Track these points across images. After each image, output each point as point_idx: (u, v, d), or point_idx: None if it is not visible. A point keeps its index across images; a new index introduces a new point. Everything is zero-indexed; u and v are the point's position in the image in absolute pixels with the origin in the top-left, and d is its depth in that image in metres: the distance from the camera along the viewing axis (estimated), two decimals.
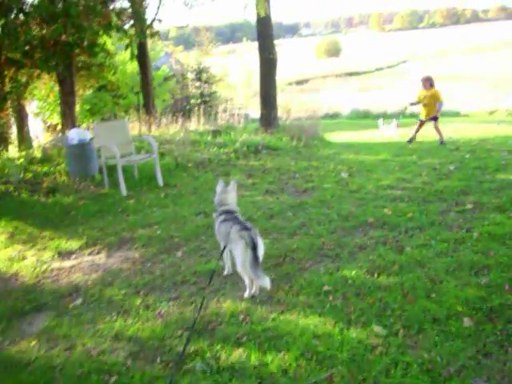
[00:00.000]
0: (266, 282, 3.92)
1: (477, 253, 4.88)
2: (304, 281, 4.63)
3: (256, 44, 13.17)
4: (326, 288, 4.44)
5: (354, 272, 4.70)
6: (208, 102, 27.00)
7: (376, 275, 4.61)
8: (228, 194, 4.46)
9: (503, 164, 8.42)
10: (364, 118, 27.04)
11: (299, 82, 59.65)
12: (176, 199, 7.62)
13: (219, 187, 4.53)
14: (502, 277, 4.35)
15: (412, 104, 12.43)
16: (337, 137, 14.32)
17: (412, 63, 54.67)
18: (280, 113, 33.00)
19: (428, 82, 11.54)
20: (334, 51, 74.68)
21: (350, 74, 54.30)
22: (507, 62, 44.80)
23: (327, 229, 5.88)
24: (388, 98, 34.25)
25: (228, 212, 4.34)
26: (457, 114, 23.58)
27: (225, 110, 16.07)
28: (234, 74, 40.48)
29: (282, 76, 58.35)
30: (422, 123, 11.88)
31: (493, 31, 57.06)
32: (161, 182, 8.19)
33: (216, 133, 12.18)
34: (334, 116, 29.97)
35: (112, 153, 7.66)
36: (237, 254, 4.03)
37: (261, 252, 3.99)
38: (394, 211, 6.28)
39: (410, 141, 11.88)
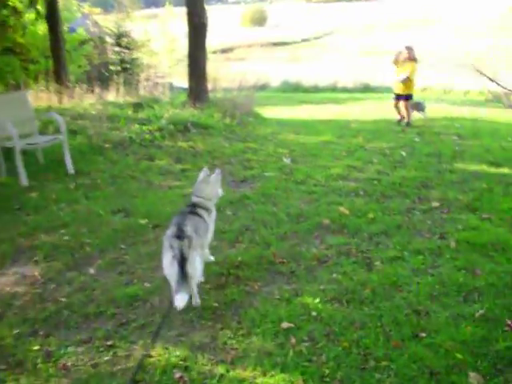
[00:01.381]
0: (177, 302, 3.13)
1: (460, 269, 4.04)
2: (256, 312, 3.56)
3: (179, 10, 11.59)
4: (285, 325, 3.42)
5: (317, 299, 3.71)
6: (129, 70, 24.91)
7: (345, 303, 3.63)
8: (207, 185, 3.87)
9: (458, 151, 7.75)
10: (295, 90, 26.08)
11: (224, 51, 57.64)
12: (89, 192, 6.22)
13: (202, 174, 3.91)
14: (497, 305, 3.53)
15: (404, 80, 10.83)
16: (272, 112, 13.17)
17: (338, 36, 54.36)
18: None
19: (413, 52, 10.35)
20: (260, 20, 73.03)
21: (276, 44, 53.12)
22: (431, 38, 45.48)
23: (276, 234, 4.84)
24: (317, 70, 33.60)
25: (192, 205, 3.76)
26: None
27: (147, 79, 14.45)
28: (157, 40, 38.12)
29: (207, 44, 56.26)
30: (399, 100, 10.57)
31: (420, 6, 57.64)
32: (71, 169, 6.72)
33: (138, 106, 10.67)
34: (263, 88, 28.77)
35: (8, 133, 6.06)
36: (163, 264, 3.37)
37: (190, 270, 3.24)
38: (352, 210, 5.34)
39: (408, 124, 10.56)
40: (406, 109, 10.48)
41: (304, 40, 53.19)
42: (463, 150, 7.81)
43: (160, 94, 13.14)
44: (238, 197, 5.98)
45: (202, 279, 3.79)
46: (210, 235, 3.87)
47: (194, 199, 3.81)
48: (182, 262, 3.17)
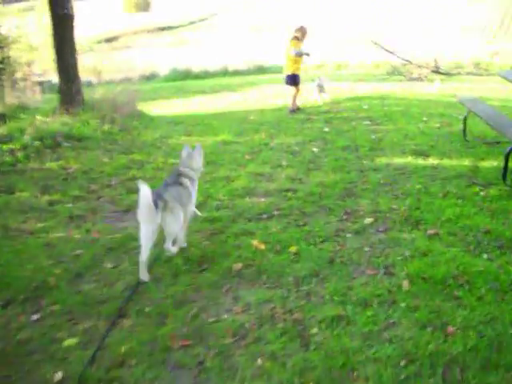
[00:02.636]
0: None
1: (425, 327, 2.95)
2: None
3: None
4: None
5: None
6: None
7: None
8: (192, 159, 4.19)
9: (375, 140, 6.72)
10: (185, 78, 24.41)
11: (109, 40, 54.36)
12: None
13: (185, 152, 4.22)
14: None
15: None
16: (161, 108, 11.55)
17: (224, 15, 52.83)
18: (90, 77, 28.81)
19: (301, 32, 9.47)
20: (144, 5, 69.52)
21: (163, 29, 50.68)
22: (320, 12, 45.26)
23: (172, 295, 3.46)
24: (207, 53, 32.02)
25: (177, 174, 4.03)
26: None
27: (25, 78, 12.24)
28: (34, 34, 34.45)
29: (89, 33, 52.35)
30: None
31: None
32: None
33: (0, 118, 8.65)
34: (151, 78, 26.79)
35: None
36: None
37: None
38: (268, 242, 4.12)
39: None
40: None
41: (191, 23, 51.10)
42: (380, 138, 6.83)
43: (32, 98, 11.04)
44: (120, 238, 4.49)
45: (184, 245, 4.10)
46: (193, 200, 4.14)
47: (181, 169, 4.06)
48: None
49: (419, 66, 14.53)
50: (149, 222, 3.53)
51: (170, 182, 3.87)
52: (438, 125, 7.70)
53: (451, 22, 29.04)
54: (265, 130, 8.05)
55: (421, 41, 20.96)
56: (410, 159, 5.99)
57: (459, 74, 15.19)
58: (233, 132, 8.10)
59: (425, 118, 8.13)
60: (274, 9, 47.96)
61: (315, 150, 6.63)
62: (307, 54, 9.36)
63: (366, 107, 9.34)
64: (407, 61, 15.03)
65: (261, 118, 9.23)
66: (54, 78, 21.38)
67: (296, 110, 9.45)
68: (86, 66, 34.98)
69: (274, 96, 11.42)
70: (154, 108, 11.10)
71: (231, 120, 9.24)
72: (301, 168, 5.98)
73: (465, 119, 6.46)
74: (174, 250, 3.91)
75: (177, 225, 3.74)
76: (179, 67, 26.18)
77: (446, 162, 5.77)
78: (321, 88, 10.22)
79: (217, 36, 42.38)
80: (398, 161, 5.93)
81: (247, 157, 6.68)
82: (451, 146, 6.32)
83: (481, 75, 15.06)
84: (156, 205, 3.43)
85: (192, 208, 4.12)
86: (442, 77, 14.58)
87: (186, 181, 3.95)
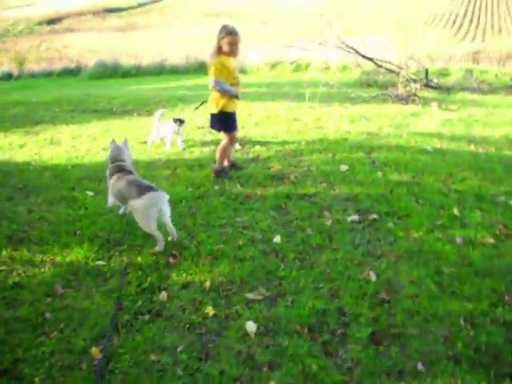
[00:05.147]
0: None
1: None
2: None
3: None
4: None
5: None
6: None
7: None
8: (122, 151, 4.28)
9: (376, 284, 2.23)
10: (112, 75, 19.46)
11: (51, 21, 48.78)
12: None
13: (113, 145, 4.31)
14: None
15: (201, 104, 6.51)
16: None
17: None
18: (11, 65, 23.40)
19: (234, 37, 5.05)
20: None
21: (110, 11, 45.20)
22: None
23: None
24: (149, 42, 27.07)
25: (120, 169, 4.11)
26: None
27: None
28: None
29: (31, 13, 46.01)
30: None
31: None
32: None
33: None
34: (76, 72, 21.68)
35: None
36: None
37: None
38: None
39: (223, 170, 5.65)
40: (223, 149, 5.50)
41: (141, 5, 45.64)
42: (387, 280, 2.63)
43: None
44: None
45: None
46: None
47: (119, 163, 4.13)
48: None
49: (407, 79, 10.02)
50: None
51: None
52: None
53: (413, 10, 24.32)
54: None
55: (387, 36, 16.40)
56: None
57: (462, 90, 10.78)
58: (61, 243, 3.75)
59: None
60: None
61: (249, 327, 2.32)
62: (236, 97, 5.30)
63: (344, 169, 4.99)
64: (391, 70, 10.50)
65: (171, 183, 4.77)
66: None
67: (222, 170, 5.50)
68: (13, 51, 29.43)
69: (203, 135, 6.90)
70: None
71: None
72: None
73: None
74: None
75: None
76: (108, 59, 21.12)
77: None
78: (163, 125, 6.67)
79: (167, 21, 37.30)
80: None
81: None
82: None
83: (483, 92, 10.71)
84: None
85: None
86: (437, 94, 10.17)
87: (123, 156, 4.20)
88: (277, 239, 3.98)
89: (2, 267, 3.61)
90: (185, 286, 3.40)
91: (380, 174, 5.38)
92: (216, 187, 5.11)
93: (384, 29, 19.37)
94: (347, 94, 10.41)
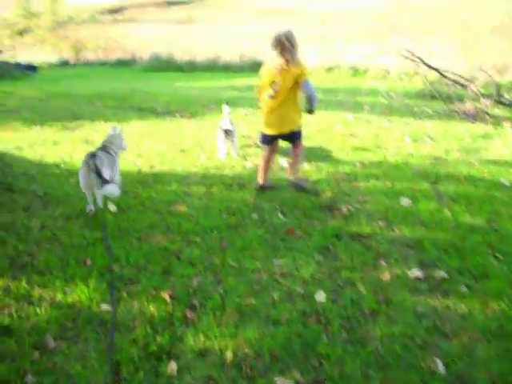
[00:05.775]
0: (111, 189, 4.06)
1: None
2: None
3: None
4: None
5: None
6: None
7: None
8: (116, 138, 4.75)
9: None
10: (166, 68, 19.03)
11: (113, 11, 49.46)
12: None
13: (112, 130, 4.80)
14: None
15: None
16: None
17: None
18: (68, 53, 23.55)
19: (288, 48, 4.54)
20: None
21: (171, 4, 45.22)
22: None
23: None
24: (205, 36, 26.57)
25: (102, 147, 4.57)
26: None
27: None
28: None
29: (94, 1, 46.85)
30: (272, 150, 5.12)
31: None
32: None
33: None
34: (130, 63, 21.45)
35: None
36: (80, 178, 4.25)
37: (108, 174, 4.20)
38: None
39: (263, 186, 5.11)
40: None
41: None
42: None
43: None
44: None
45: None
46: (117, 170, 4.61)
47: (104, 143, 4.63)
48: (98, 171, 3.99)
49: (476, 93, 8.95)
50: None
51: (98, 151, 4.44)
52: None
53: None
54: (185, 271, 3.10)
55: (452, 41, 15.12)
56: None
57: None
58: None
59: None
60: None
61: None
62: (311, 111, 4.77)
63: (406, 204, 4.55)
64: (461, 85, 9.44)
65: (204, 206, 4.23)
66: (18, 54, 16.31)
67: (263, 186, 5.07)
68: (73, 39, 29.69)
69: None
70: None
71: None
72: None
73: None
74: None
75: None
76: (163, 53, 20.75)
77: None
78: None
79: (225, 16, 36.80)
80: None
81: None
82: None
83: None
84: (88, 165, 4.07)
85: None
86: (509, 112, 9.07)
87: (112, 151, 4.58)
88: (320, 296, 3.21)
89: None
90: (201, 354, 2.70)
91: (448, 213, 4.51)
92: (254, 215, 4.37)
93: (450, 32, 17.99)
94: (409, 107, 9.46)
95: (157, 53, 20.24)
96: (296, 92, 4.68)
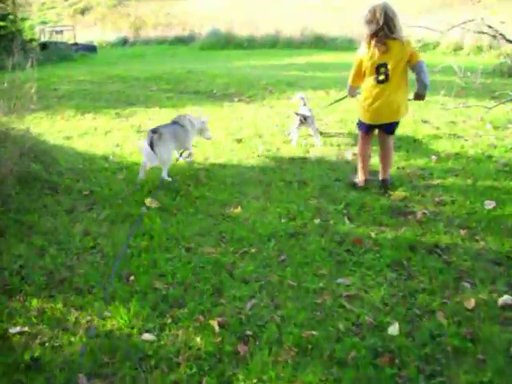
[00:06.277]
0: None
1: None
2: None
3: None
4: None
5: None
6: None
7: None
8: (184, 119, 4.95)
9: None
10: (224, 46, 18.57)
11: None
12: None
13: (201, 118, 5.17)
14: None
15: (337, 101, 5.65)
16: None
17: None
18: (128, 30, 23.51)
19: (392, 23, 3.98)
20: None
21: None
22: None
23: None
24: (269, 8, 25.75)
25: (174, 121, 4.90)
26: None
27: None
28: None
29: None
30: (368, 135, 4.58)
31: None
32: None
33: None
34: (189, 40, 21.14)
35: None
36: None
37: (157, 151, 4.50)
38: None
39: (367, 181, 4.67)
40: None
41: None
42: None
43: None
44: None
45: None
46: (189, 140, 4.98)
47: (185, 115, 5.04)
48: (152, 146, 4.40)
49: None
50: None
51: (169, 123, 4.87)
52: None
53: None
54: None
55: None
56: None
57: None
58: None
59: None
60: None
61: None
62: (422, 97, 4.29)
63: (491, 207, 4.17)
64: None
65: (260, 208, 3.92)
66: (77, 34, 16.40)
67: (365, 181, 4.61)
68: (133, 16, 29.68)
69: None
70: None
71: None
72: None
73: None
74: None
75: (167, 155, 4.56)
76: (222, 28, 20.23)
77: None
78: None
79: None
80: None
81: None
82: None
83: None
84: (151, 139, 4.42)
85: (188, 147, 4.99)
86: None
87: (185, 122, 4.87)
88: (393, 329, 2.71)
89: (25, 328, 2.68)
90: None
91: None
92: (316, 221, 3.87)
93: None
94: (486, 86, 8.52)
95: (216, 28, 19.75)
96: (406, 75, 4.14)
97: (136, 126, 6.68)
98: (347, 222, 3.94)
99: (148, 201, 4.24)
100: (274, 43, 17.64)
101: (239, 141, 5.89)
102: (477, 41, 13.25)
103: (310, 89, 8.48)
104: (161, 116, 7.13)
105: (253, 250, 3.55)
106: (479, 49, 13.25)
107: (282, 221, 3.95)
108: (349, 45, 15.97)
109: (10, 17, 17.34)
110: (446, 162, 5.09)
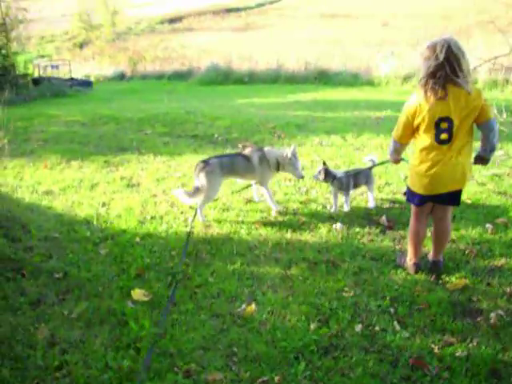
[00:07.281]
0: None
1: None
2: None
3: None
4: None
5: None
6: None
7: None
8: (273, 153, 4.63)
9: None
10: (223, 81, 17.81)
11: (172, 20, 49.77)
12: None
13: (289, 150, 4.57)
14: None
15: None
16: None
17: None
18: (126, 65, 22.81)
19: (460, 65, 3.00)
20: None
21: (229, 11, 44.59)
22: None
23: None
24: (264, 43, 25.27)
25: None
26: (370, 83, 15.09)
27: None
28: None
29: (156, 12, 46.79)
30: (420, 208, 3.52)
31: None
32: None
33: None
34: (188, 75, 20.44)
35: None
36: None
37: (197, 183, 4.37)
38: None
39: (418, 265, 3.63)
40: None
41: (259, 5, 44.58)
42: None
43: None
44: None
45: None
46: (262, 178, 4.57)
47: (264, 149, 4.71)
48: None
49: None
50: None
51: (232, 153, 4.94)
52: None
53: None
54: None
55: None
56: None
57: None
58: None
59: None
60: None
61: None
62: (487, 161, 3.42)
63: None
64: None
65: (282, 304, 3.04)
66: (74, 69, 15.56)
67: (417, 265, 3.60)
68: (132, 51, 29.13)
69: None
70: None
71: None
72: None
73: None
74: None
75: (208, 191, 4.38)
76: (221, 63, 19.55)
77: None
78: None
79: (284, 22, 35.46)
80: None
81: None
82: None
83: None
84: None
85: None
86: None
87: (255, 157, 4.47)
88: None
89: None
90: None
91: None
92: (357, 327, 2.85)
93: None
94: None
95: (215, 63, 19.05)
96: (472, 132, 3.19)
97: (126, 178, 5.72)
98: (397, 327, 2.90)
99: (135, 293, 3.21)
100: (275, 78, 16.90)
101: (248, 201, 4.90)
102: (491, 74, 12.52)
103: (322, 133, 7.56)
104: (155, 165, 6.17)
105: (274, 378, 2.51)
106: (494, 83, 12.48)
107: (312, 326, 2.92)
108: (353, 80, 15.23)
109: (3, 51, 16.66)
110: (504, 231, 4.09)
